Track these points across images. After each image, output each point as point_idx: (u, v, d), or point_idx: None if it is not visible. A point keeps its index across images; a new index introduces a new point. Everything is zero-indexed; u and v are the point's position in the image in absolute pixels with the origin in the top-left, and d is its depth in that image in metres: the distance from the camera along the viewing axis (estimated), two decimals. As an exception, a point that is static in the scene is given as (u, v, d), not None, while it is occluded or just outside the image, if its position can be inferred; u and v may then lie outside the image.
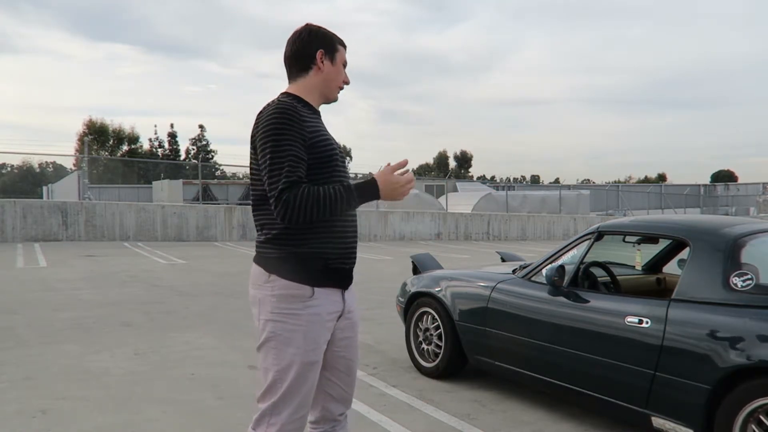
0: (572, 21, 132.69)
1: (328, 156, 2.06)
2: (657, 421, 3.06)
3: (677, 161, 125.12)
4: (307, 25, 2.18)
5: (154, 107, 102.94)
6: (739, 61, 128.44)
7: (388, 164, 2.05)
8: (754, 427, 2.70)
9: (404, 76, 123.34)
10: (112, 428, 3.41)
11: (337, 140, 2.20)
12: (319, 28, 2.17)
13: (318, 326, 2.05)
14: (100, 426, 3.44)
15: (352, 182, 2.03)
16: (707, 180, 61.81)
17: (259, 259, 2.12)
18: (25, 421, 3.48)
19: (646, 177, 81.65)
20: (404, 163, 2.06)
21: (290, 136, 1.96)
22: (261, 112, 2.05)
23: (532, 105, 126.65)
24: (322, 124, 2.16)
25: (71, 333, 5.63)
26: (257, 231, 2.13)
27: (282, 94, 2.14)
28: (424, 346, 4.55)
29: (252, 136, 2.06)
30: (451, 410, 3.79)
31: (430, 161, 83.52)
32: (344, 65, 2.21)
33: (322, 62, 2.13)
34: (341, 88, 2.22)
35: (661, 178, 77.01)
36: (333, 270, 2.07)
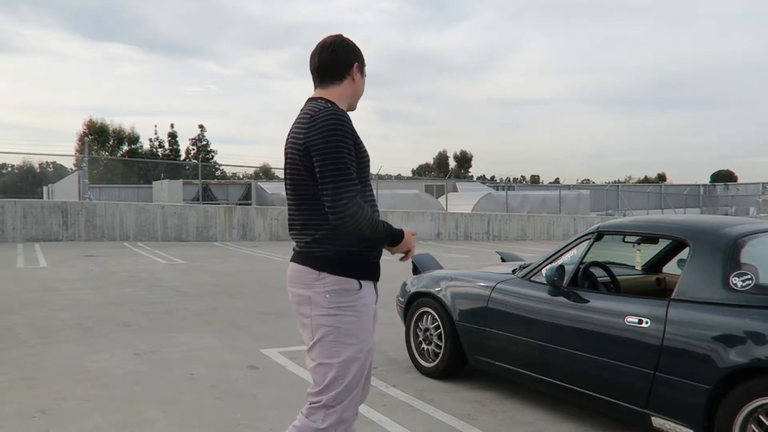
0: (572, 21, 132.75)
1: (366, 163, 2.22)
2: (657, 421, 3.06)
3: (677, 161, 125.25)
4: (339, 35, 2.29)
5: (153, 107, 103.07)
6: (739, 61, 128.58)
7: (415, 233, 2.33)
8: (753, 427, 2.70)
9: (404, 76, 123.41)
10: (112, 428, 3.41)
11: None
12: (350, 40, 2.31)
13: (369, 316, 2.22)
14: (100, 426, 3.44)
15: (393, 229, 2.22)
16: (707, 180, 61.82)
17: (304, 259, 2.19)
18: (25, 421, 3.48)
19: (646, 177, 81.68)
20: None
21: (348, 147, 2.09)
22: (314, 117, 2.11)
23: (532, 105, 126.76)
24: None
25: (71, 333, 5.63)
26: (296, 229, 2.22)
27: (320, 99, 2.22)
28: (424, 346, 4.55)
29: (305, 139, 2.10)
30: (451, 410, 3.79)
31: (430, 161, 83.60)
32: (365, 76, 2.38)
33: (357, 74, 2.29)
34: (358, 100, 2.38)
35: (661, 178, 77.03)
36: (372, 265, 2.24)
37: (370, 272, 2.25)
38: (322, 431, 2.14)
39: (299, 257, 2.21)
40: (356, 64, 2.28)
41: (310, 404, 2.17)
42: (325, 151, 2.06)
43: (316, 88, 2.29)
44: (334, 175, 2.05)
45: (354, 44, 2.31)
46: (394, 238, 2.21)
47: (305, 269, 2.17)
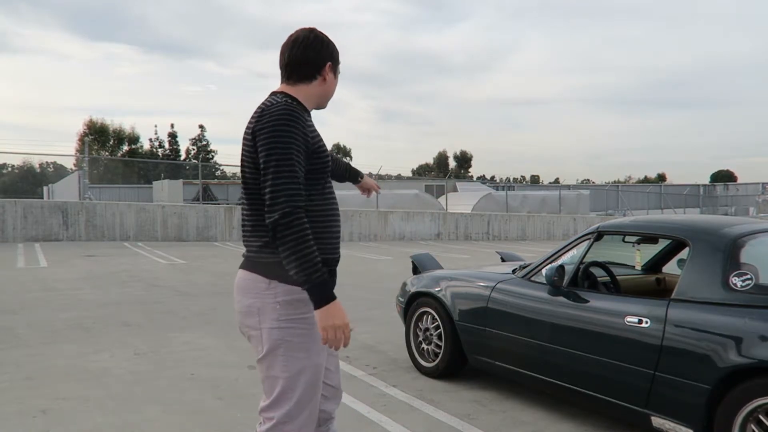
0: (572, 21, 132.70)
1: (324, 163, 2.06)
2: (657, 421, 3.06)
3: (677, 161, 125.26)
4: (313, 30, 2.11)
5: (153, 107, 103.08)
6: (739, 61, 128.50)
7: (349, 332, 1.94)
8: (753, 426, 2.70)
9: (404, 76, 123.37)
10: (112, 428, 3.41)
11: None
12: (325, 35, 2.12)
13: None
14: (100, 426, 3.44)
15: (325, 278, 1.89)
16: (707, 180, 61.82)
17: (254, 265, 2.03)
18: (25, 421, 3.48)
19: (645, 177, 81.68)
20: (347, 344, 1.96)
21: (297, 145, 1.92)
22: (264, 111, 1.96)
23: (532, 105, 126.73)
24: (315, 127, 2.13)
25: (71, 333, 5.63)
26: (247, 232, 2.05)
27: (281, 93, 2.06)
28: (424, 346, 4.55)
29: (252, 132, 1.96)
30: (451, 410, 3.79)
31: (430, 161, 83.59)
32: (338, 76, 2.20)
33: (328, 74, 2.12)
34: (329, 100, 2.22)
35: (661, 178, 77.03)
36: (330, 271, 2.06)
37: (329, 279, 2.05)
38: None
39: (248, 264, 2.04)
40: (329, 64, 2.10)
41: (264, 422, 2.03)
42: (271, 143, 1.89)
43: (282, 83, 2.12)
44: (274, 177, 1.87)
45: (328, 40, 2.12)
46: (315, 287, 1.86)
47: (255, 277, 2.00)
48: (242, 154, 2.02)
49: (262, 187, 1.93)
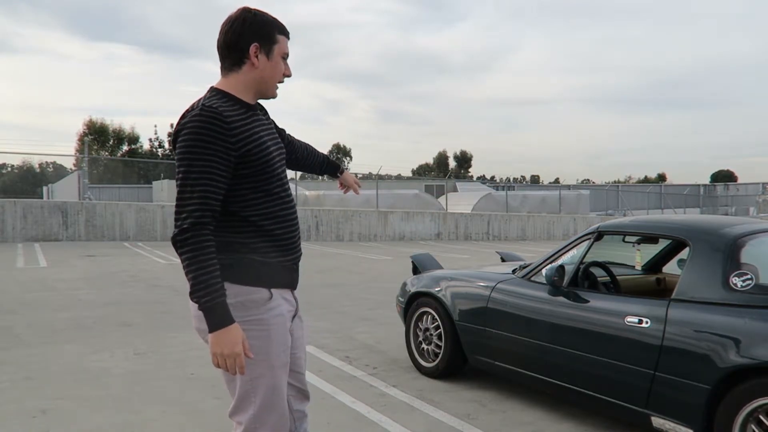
0: (572, 21, 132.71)
1: (261, 164, 1.90)
2: (657, 421, 3.06)
3: (677, 161, 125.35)
4: (243, 9, 1.93)
5: (153, 107, 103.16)
6: (739, 61, 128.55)
7: (244, 353, 1.81)
8: (753, 427, 2.70)
9: (404, 76, 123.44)
10: (112, 428, 3.41)
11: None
12: (256, 14, 1.92)
13: (283, 327, 1.98)
14: (100, 426, 3.44)
15: (223, 299, 1.78)
16: (707, 180, 61.83)
17: None
18: (25, 421, 3.48)
19: (646, 177, 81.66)
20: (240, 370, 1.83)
21: (209, 152, 1.78)
22: (183, 116, 1.86)
23: (532, 105, 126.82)
24: (259, 121, 1.96)
25: (71, 333, 5.63)
26: None
27: (210, 90, 1.94)
28: (424, 346, 4.55)
29: (173, 139, 1.88)
30: (451, 410, 3.79)
31: (430, 161, 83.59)
32: (284, 57, 1.98)
33: (257, 57, 1.91)
34: (281, 82, 2.01)
35: (661, 178, 77.04)
36: (285, 269, 1.99)
37: (283, 278, 1.98)
38: None
39: None
40: (255, 46, 1.89)
41: (236, 427, 1.98)
42: (180, 156, 1.80)
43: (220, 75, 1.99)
44: (181, 183, 1.79)
45: (257, 19, 1.91)
46: (206, 310, 1.76)
47: None
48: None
49: (175, 204, 1.84)
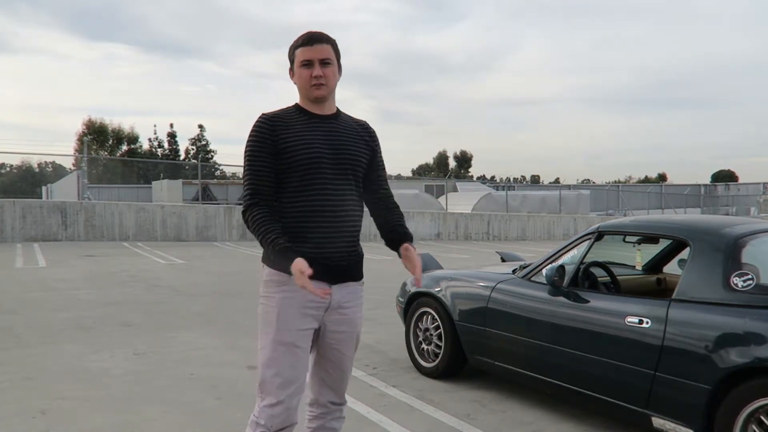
0: (572, 21, 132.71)
1: (298, 161, 2.17)
2: (657, 422, 3.06)
3: (677, 161, 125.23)
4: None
5: (153, 107, 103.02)
6: (739, 61, 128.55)
7: (309, 278, 2.00)
8: (754, 427, 2.69)
9: (404, 76, 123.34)
10: (112, 428, 3.41)
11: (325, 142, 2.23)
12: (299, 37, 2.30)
13: (292, 310, 2.17)
14: (100, 426, 3.44)
15: (281, 247, 2.09)
16: (707, 180, 61.77)
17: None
18: (25, 421, 3.48)
19: (646, 177, 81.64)
20: (320, 293, 2.02)
21: (257, 150, 2.19)
22: None
23: (532, 105, 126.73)
24: (316, 125, 2.23)
25: (71, 333, 5.62)
26: None
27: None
28: (424, 346, 4.55)
29: None
30: (451, 410, 3.79)
31: (430, 161, 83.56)
32: (305, 63, 2.22)
33: (292, 71, 2.29)
34: (316, 85, 2.21)
35: (661, 178, 77.00)
36: (314, 262, 2.08)
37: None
38: (259, 426, 2.20)
39: None
40: (290, 69, 2.31)
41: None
42: (244, 154, 2.24)
43: None
44: (243, 176, 2.24)
45: (290, 48, 2.30)
46: (277, 258, 2.09)
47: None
48: None
49: None
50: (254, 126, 2.22)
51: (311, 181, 2.18)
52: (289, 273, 2.05)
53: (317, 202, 2.19)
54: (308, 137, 2.19)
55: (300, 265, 2.01)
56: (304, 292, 2.10)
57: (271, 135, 2.18)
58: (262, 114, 2.25)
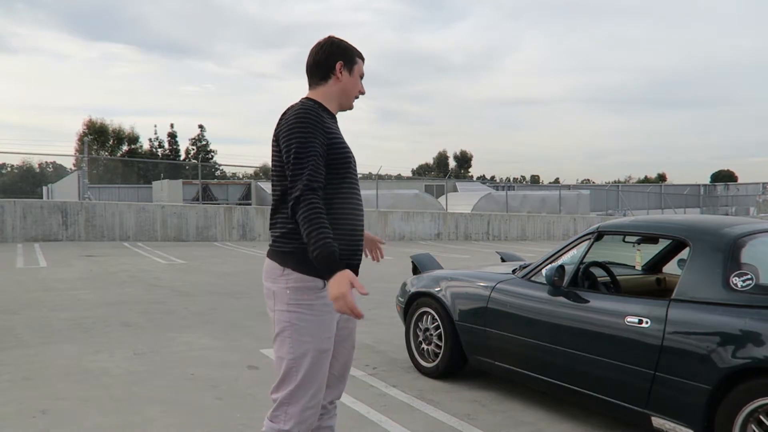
0: (572, 21, 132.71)
1: (343, 159, 2.20)
2: (657, 421, 3.06)
3: (677, 161, 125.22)
4: (329, 37, 2.33)
5: (153, 107, 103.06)
6: (739, 61, 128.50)
7: (356, 290, 1.98)
8: (754, 427, 2.70)
9: (403, 75, 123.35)
10: (112, 428, 3.41)
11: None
12: (341, 40, 2.32)
13: (329, 316, 2.18)
14: (100, 426, 3.44)
15: (332, 250, 1.98)
16: (707, 180, 61.78)
17: (273, 254, 2.22)
18: (25, 421, 3.48)
19: (646, 177, 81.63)
20: (358, 314, 2.00)
21: (314, 134, 2.10)
22: (285, 113, 2.19)
23: (532, 105, 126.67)
24: (339, 129, 2.29)
25: (71, 333, 5.63)
26: (271, 224, 2.25)
27: (304, 98, 2.27)
28: (424, 346, 4.55)
29: (275, 135, 2.19)
30: (451, 410, 3.79)
31: (430, 161, 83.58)
32: (361, 77, 2.35)
33: (341, 73, 2.28)
34: (357, 98, 2.36)
35: (661, 178, 77.00)
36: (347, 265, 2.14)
37: None
38: None
39: (270, 252, 2.24)
40: (340, 63, 2.27)
41: (273, 406, 2.19)
42: (290, 142, 2.10)
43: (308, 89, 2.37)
44: (294, 162, 2.07)
45: (342, 44, 2.31)
46: (322, 259, 1.97)
47: (273, 264, 2.20)
48: (271, 156, 2.24)
49: (287, 177, 2.10)
50: (307, 109, 2.14)
51: (350, 180, 2.22)
52: (322, 276, 2.05)
53: (352, 201, 2.23)
54: (340, 137, 2.23)
55: (351, 277, 1.97)
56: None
57: (322, 124, 2.15)
58: (308, 103, 2.18)
